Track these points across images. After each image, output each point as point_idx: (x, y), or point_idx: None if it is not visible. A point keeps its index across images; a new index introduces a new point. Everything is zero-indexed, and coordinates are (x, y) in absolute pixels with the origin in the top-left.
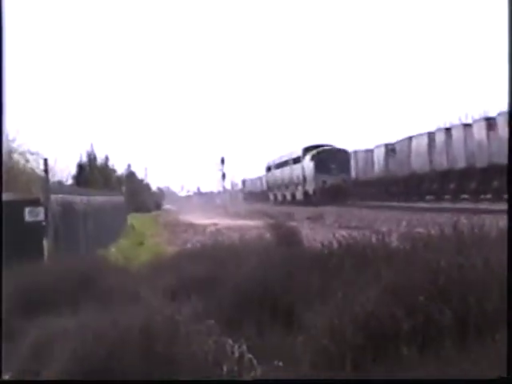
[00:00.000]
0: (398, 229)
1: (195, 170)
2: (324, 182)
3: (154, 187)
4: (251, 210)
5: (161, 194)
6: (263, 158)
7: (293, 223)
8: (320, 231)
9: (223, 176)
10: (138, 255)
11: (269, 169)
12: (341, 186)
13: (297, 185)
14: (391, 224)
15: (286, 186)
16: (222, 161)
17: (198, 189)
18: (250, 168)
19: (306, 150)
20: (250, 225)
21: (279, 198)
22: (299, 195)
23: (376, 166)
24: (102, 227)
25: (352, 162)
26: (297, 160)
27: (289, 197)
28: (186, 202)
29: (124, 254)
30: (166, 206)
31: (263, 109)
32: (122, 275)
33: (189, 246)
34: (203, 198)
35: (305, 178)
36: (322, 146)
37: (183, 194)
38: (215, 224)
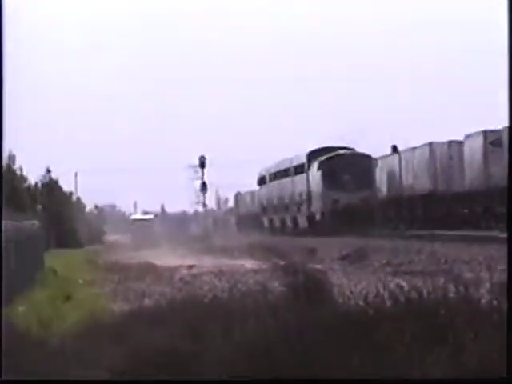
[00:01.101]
0: (491, 275)
1: (158, 179)
2: (335, 201)
3: (89, 205)
4: (249, 243)
5: (101, 216)
6: (265, 161)
7: (316, 265)
8: (362, 278)
9: (203, 187)
10: (62, 317)
11: (262, 181)
12: (360, 206)
13: (299, 205)
14: (480, 267)
15: (286, 207)
16: (202, 163)
17: (163, 208)
18: (246, 176)
19: (312, 154)
20: (248, 268)
21: (276, 223)
22: (302, 220)
23: (467, 171)
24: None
25: (397, 167)
26: (299, 169)
27: (289, 222)
28: (142, 229)
29: (39, 316)
30: (111, 236)
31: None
32: (35, 352)
33: (147, 302)
34: (171, 223)
35: (310, 196)
36: (335, 148)
37: (138, 216)
38: (190, 266)
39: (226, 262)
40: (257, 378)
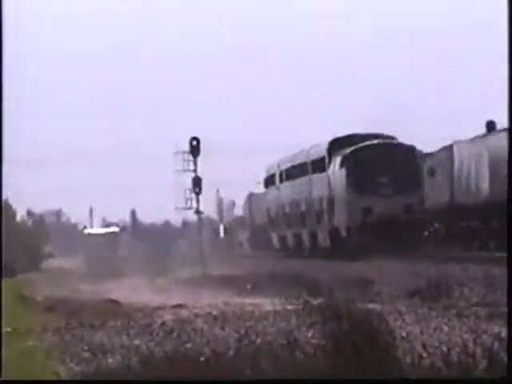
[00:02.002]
0: None
1: (127, 173)
2: (367, 209)
3: (20, 213)
4: (268, 270)
5: (41, 229)
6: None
7: (370, 305)
8: (441, 325)
9: (196, 185)
10: None
11: (270, 181)
12: (401, 218)
13: (319, 216)
14: None
15: (302, 219)
16: (195, 149)
17: (134, 217)
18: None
19: (335, 144)
20: (265, 309)
21: (290, 242)
22: (323, 237)
23: None
24: None
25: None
26: (319, 165)
27: (307, 239)
28: (102, 248)
29: None
30: (56, 259)
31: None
32: None
33: (110, 362)
34: (147, 239)
35: (332, 203)
36: (366, 137)
37: (96, 229)
38: (177, 306)
39: (233, 300)
40: (257, 379)
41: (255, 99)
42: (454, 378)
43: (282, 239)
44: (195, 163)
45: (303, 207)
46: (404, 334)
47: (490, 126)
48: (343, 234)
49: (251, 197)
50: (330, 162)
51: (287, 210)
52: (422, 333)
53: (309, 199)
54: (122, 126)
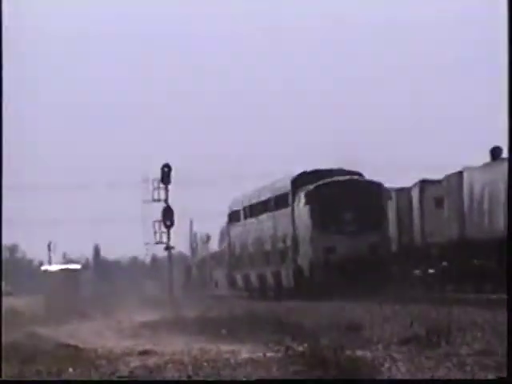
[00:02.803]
0: None
1: (90, 203)
2: (330, 249)
3: None
4: (247, 312)
5: None
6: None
7: (360, 352)
8: (440, 376)
9: (167, 217)
10: None
11: (234, 217)
12: (367, 258)
13: (283, 255)
14: None
15: (266, 258)
16: (165, 177)
17: (97, 252)
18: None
19: (299, 180)
20: (243, 357)
21: (254, 283)
22: (287, 277)
23: None
24: None
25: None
26: (282, 201)
27: (271, 280)
28: (62, 286)
29: None
30: (9, 298)
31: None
32: None
33: None
34: (111, 277)
35: (296, 241)
36: (331, 172)
37: (54, 266)
38: (144, 352)
39: (207, 346)
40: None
41: (237, 123)
42: (454, 379)
43: (245, 279)
44: (166, 192)
45: (267, 246)
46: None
47: (496, 153)
48: (306, 273)
49: (228, 228)
50: (293, 198)
51: (251, 248)
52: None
53: (273, 237)
54: (84, 150)
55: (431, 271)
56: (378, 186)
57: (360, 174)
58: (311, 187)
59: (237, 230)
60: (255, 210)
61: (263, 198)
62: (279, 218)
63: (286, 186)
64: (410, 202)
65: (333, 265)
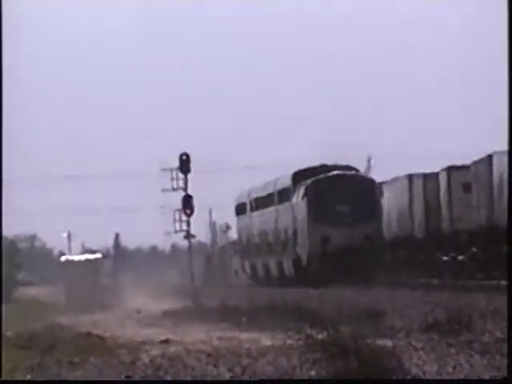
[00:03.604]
0: None
1: (109, 193)
2: (325, 239)
3: None
4: (268, 301)
5: (12, 255)
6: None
7: (381, 340)
8: (462, 363)
9: (187, 206)
10: None
11: (241, 210)
12: (360, 247)
13: (284, 245)
14: None
15: (271, 248)
16: (184, 165)
17: (117, 242)
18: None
19: (299, 176)
20: (264, 344)
21: (260, 272)
22: (288, 266)
23: None
24: None
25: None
26: (284, 195)
27: (274, 270)
28: (82, 276)
29: None
30: (29, 288)
31: None
32: None
33: None
34: (131, 267)
35: (295, 232)
36: (329, 168)
37: (74, 256)
38: (165, 341)
39: (228, 335)
40: (257, 379)
41: (253, 114)
42: (455, 379)
43: (252, 268)
44: (186, 181)
45: (271, 237)
46: (419, 372)
47: None
48: (304, 262)
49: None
50: (294, 192)
51: (257, 239)
52: (439, 371)
53: (276, 229)
54: (102, 142)
55: (460, 258)
56: (370, 180)
57: (355, 170)
58: (309, 182)
59: (243, 222)
60: (260, 203)
61: (267, 192)
62: (281, 211)
63: (287, 181)
64: (438, 188)
65: (329, 254)
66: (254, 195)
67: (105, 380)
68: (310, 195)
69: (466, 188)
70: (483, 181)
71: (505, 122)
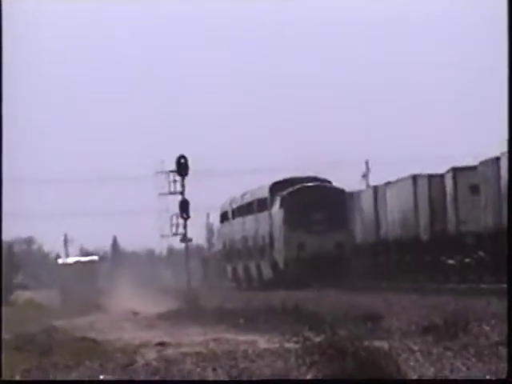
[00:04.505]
0: None
1: (106, 196)
2: (300, 245)
3: None
4: (265, 303)
5: (9, 258)
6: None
7: (378, 343)
8: (458, 367)
9: (183, 209)
10: None
11: (225, 217)
12: (333, 254)
13: (263, 250)
14: None
15: (250, 253)
16: (182, 168)
17: (115, 244)
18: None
19: (276, 187)
20: (261, 347)
21: (240, 274)
22: (266, 269)
23: None
24: None
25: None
26: (262, 204)
27: (254, 273)
28: (79, 279)
29: None
30: (25, 291)
31: None
32: None
33: None
34: (128, 269)
35: (273, 239)
36: (303, 180)
37: (71, 259)
38: (161, 344)
39: (225, 337)
40: (257, 379)
41: (253, 116)
42: (455, 379)
43: (234, 271)
44: (183, 184)
45: (250, 242)
46: (416, 376)
47: None
48: (281, 266)
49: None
50: (271, 202)
51: (238, 243)
52: (435, 374)
53: (255, 235)
54: (99, 145)
55: (467, 261)
56: (341, 191)
57: (328, 181)
58: (284, 193)
59: (226, 228)
60: (241, 211)
61: (247, 202)
62: (260, 219)
63: (265, 191)
64: (443, 190)
65: (303, 259)
66: (236, 204)
67: (103, 380)
68: (286, 205)
69: (473, 189)
70: (491, 182)
71: (504, 122)
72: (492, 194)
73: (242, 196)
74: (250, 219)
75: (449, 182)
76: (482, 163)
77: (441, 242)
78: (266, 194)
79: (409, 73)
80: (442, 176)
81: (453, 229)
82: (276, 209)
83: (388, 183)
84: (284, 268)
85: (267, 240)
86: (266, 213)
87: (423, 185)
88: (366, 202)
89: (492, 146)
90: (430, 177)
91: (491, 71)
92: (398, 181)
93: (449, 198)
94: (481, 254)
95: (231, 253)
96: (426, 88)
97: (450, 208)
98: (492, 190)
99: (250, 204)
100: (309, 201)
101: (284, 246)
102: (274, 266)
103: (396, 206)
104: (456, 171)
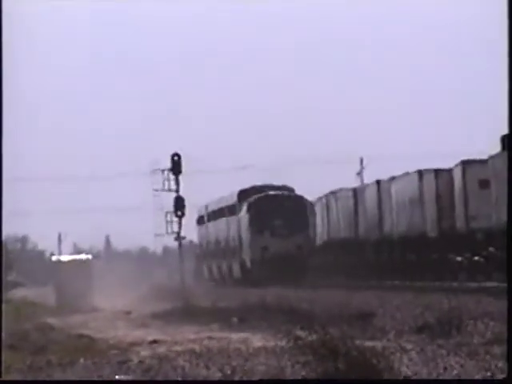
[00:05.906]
0: None
1: (99, 194)
2: (264, 248)
3: None
4: (259, 301)
5: (3, 257)
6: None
7: (371, 342)
8: (453, 365)
9: (178, 207)
10: None
11: (201, 220)
12: (293, 255)
13: (233, 251)
14: None
15: (223, 253)
16: (176, 166)
17: (108, 243)
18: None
19: (243, 194)
20: (255, 345)
21: (215, 273)
22: (236, 268)
23: None
24: None
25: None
26: (232, 210)
27: (226, 271)
28: (73, 277)
29: None
30: (20, 290)
31: None
32: None
33: None
34: (122, 267)
35: (241, 241)
36: (267, 188)
37: (65, 257)
38: (155, 342)
39: (218, 335)
40: (257, 379)
41: (245, 112)
42: (455, 379)
43: (209, 270)
44: (177, 182)
45: (223, 244)
46: (409, 374)
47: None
48: (248, 266)
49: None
50: (239, 207)
51: (212, 244)
52: (429, 374)
53: (227, 237)
54: (93, 141)
55: (476, 258)
56: (301, 198)
57: (291, 189)
58: (250, 200)
59: (202, 231)
60: (215, 215)
61: (219, 207)
62: (230, 223)
63: (234, 198)
64: (452, 184)
65: (267, 260)
66: (210, 209)
67: (98, 380)
68: (252, 210)
69: (483, 184)
70: (502, 176)
71: (504, 123)
72: (503, 188)
73: (216, 201)
74: (221, 222)
75: (457, 177)
76: (492, 157)
77: (449, 239)
78: (235, 199)
79: (409, 73)
80: (449, 170)
81: (462, 225)
82: (243, 214)
83: (393, 178)
84: (251, 267)
85: (237, 242)
86: (234, 217)
87: (430, 179)
88: (370, 198)
89: (492, 146)
90: (437, 172)
91: (491, 71)
92: (403, 175)
93: (457, 193)
94: (491, 250)
95: (207, 253)
96: (426, 88)
97: (458, 203)
98: (503, 184)
99: (221, 209)
100: (272, 207)
101: (250, 247)
102: (242, 265)
103: (401, 201)
104: (465, 165)
